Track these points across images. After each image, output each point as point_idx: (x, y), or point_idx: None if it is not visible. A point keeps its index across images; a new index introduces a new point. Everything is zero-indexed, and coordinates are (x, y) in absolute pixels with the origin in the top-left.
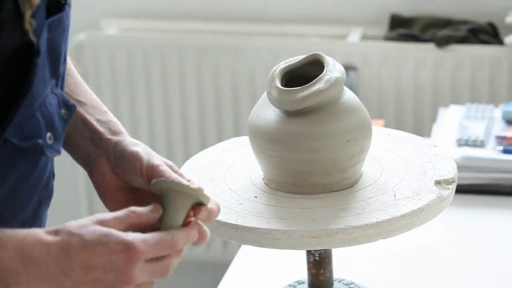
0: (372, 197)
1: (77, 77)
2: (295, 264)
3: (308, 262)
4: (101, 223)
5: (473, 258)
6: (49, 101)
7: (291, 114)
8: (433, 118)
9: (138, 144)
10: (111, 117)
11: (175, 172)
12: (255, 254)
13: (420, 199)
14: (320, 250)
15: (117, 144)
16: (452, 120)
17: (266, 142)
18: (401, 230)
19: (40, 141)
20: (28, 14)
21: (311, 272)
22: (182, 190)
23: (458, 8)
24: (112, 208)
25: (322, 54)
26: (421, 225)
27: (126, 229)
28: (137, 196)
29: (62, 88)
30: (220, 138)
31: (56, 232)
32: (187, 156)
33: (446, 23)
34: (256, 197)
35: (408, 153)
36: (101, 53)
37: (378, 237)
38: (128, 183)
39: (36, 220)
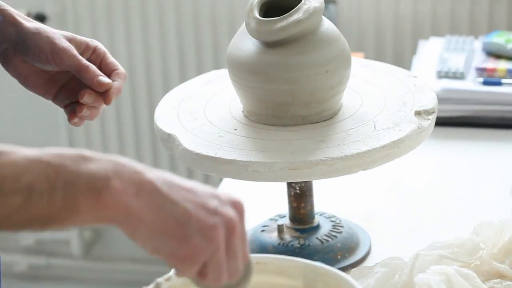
0: (352, 128)
1: None
2: (276, 198)
3: (289, 196)
4: None
5: (455, 188)
6: None
7: (270, 45)
8: (413, 51)
9: (38, 30)
10: (4, 5)
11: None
12: (236, 188)
13: (400, 130)
14: (301, 182)
15: (17, 35)
16: (432, 52)
17: (245, 73)
18: (381, 161)
19: None
20: None
21: (292, 206)
22: None
23: None
24: (35, 91)
25: None
26: (401, 156)
27: None
28: (54, 77)
29: None
30: (199, 71)
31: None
32: (167, 89)
33: None
34: (235, 129)
35: (388, 84)
36: None
37: (359, 169)
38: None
39: None
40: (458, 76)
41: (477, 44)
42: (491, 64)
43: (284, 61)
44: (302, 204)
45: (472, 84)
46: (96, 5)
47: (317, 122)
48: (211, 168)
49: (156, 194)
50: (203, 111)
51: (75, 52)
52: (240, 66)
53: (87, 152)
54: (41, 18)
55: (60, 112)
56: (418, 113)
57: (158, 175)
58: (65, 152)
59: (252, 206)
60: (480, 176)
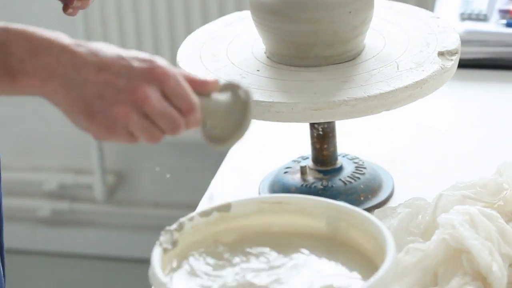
0: (375, 69)
1: None
2: (299, 140)
3: (312, 137)
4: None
5: (479, 129)
6: None
7: None
8: None
9: None
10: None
11: None
12: (258, 130)
13: (423, 70)
14: (324, 124)
15: None
16: None
17: (267, 14)
18: (404, 101)
19: None
20: None
21: (315, 147)
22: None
23: None
24: None
25: None
26: (424, 96)
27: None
28: None
29: None
30: (221, 13)
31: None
32: (189, 31)
33: None
34: (258, 70)
35: (411, 25)
36: None
37: (382, 109)
38: None
39: None
40: (481, 18)
41: None
42: None
43: (306, 1)
44: (325, 146)
45: (495, 26)
46: None
47: (340, 63)
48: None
49: (66, 77)
50: (226, 52)
51: None
52: (262, 7)
53: (14, 29)
54: None
55: None
56: (441, 54)
57: (79, 53)
58: None
59: (275, 148)
60: (503, 117)
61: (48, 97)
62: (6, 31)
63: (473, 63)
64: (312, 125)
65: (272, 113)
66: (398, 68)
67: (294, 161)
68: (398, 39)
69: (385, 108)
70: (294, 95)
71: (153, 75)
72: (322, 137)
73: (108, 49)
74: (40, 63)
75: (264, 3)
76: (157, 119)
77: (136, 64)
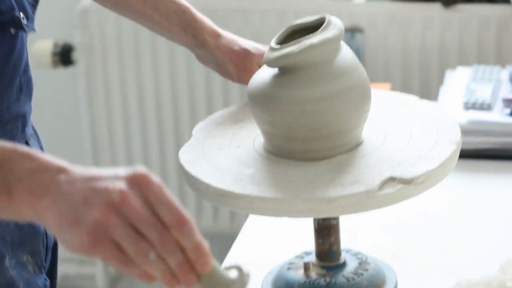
0: (375, 165)
1: None
2: (303, 235)
3: (315, 232)
4: None
5: (482, 224)
6: None
7: (282, 72)
8: (440, 81)
9: (222, 58)
10: (191, 16)
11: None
12: (262, 224)
13: (422, 164)
14: (327, 218)
15: (208, 55)
16: (459, 82)
17: (254, 104)
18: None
19: (17, 13)
20: None
21: (318, 242)
22: None
23: None
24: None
25: (327, 16)
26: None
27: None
28: None
29: None
30: (226, 103)
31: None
32: (194, 121)
33: None
34: (255, 164)
35: (411, 117)
36: (107, 18)
37: (383, 205)
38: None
39: (19, 107)
40: (485, 107)
41: (504, 74)
42: None
43: (286, 94)
44: (329, 241)
45: (499, 115)
46: (124, 36)
47: (337, 155)
48: (233, 204)
49: (58, 192)
50: (229, 144)
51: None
52: (250, 96)
53: (17, 150)
54: (68, 48)
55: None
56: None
57: (74, 172)
58: None
59: (279, 243)
60: (507, 210)
61: (39, 215)
62: (14, 151)
63: (477, 153)
64: (316, 220)
65: (253, 208)
66: (396, 163)
67: (298, 256)
68: (398, 132)
69: (385, 204)
70: (292, 190)
71: (135, 179)
72: (325, 232)
73: (103, 169)
74: (36, 181)
75: (251, 92)
76: (140, 225)
77: (121, 171)
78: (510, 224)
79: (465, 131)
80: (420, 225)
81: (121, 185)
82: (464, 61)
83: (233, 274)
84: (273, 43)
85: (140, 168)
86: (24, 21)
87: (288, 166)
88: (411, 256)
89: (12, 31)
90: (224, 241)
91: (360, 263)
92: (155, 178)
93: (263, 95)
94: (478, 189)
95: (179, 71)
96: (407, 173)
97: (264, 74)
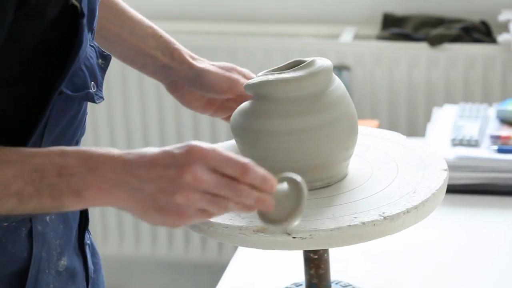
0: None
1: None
2: (293, 266)
3: (305, 263)
4: None
5: (469, 258)
6: (89, 54)
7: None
8: (427, 118)
9: (208, 69)
10: (168, 41)
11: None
12: (251, 256)
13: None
14: (317, 250)
15: (189, 71)
16: (446, 119)
17: (233, 134)
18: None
19: (90, 90)
20: None
21: (308, 274)
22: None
23: (451, 7)
24: (196, 111)
25: (301, 59)
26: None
27: None
28: (211, 100)
29: (93, 39)
30: (214, 140)
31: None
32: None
33: (439, 22)
34: None
35: (398, 154)
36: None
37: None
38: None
39: None
40: (472, 143)
41: (491, 112)
42: (505, 131)
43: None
44: (318, 272)
45: (486, 151)
46: (111, 75)
47: (322, 188)
48: (223, 237)
49: (125, 184)
50: None
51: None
52: (232, 128)
53: (69, 151)
54: None
55: None
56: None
57: (129, 160)
58: (46, 154)
59: (268, 274)
60: (495, 245)
61: (116, 206)
62: (62, 155)
63: (464, 189)
64: (305, 251)
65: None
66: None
67: None
68: (385, 167)
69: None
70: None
71: (194, 156)
72: (315, 264)
73: (152, 150)
74: (100, 178)
75: (232, 126)
76: (216, 190)
77: (176, 151)
78: (496, 257)
79: (453, 167)
80: (408, 256)
81: (186, 166)
82: (450, 99)
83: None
84: (262, 72)
85: (191, 144)
86: (94, 89)
87: None
88: (400, 287)
89: (79, 103)
90: (213, 272)
91: None
92: (206, 145)
93: (242, 126)
94: (465, 223)
95: (166, 108)
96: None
97: (246, 106)
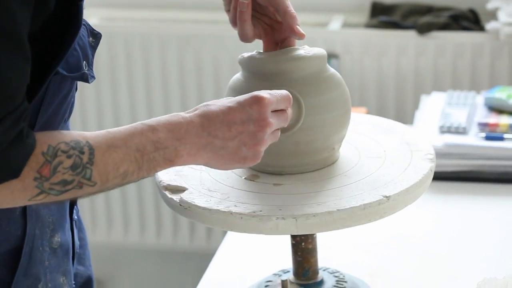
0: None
1: None
2: (280, 253)
3: (293, 250)
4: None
5: (457, 245)
6: (82, 33)
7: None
8: (416, 105)
9: None
10: None
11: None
12: (239, 243)
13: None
14: (304, 236)
15: None
16: (434, 107)
17: None
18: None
19: (85, 71)
20: None
21: (296, 260)
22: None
23: None
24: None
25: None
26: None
27: None
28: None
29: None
30: None
31: (195, 109)
32: None
33: (427, 10)
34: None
35: (386, 139)
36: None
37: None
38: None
39: (64, 127)
40: (460, 131)
41: (479, 99)
42: (493, 119)
43: None
44: (306, 259)
45: (474, 139)
46: (99, 62)
47: (313, 171)
48: (217, 222)
49: (210, 145)
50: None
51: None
52: None
53: (157, 126)
54: None
55: None
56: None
57: (207, 123)
58: (140, 133)
59: (256, 261)
60: (482, 232)
61: (202, 164)
62: (154, 130)
63: (452, 176)
64: (293, 237)
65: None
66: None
67: (275, 274)
68: (373, 153)
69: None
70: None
71: (263, 107)
72: (302, 250)
73: (222, 103)
74: (188, 145)
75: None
76: (277, 127)
77: (247, 105)
78: (485, 244)
79: (441, 154)
80: (397, 244)
81: (261, 120)
82: (439, 87)
83: None
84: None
85: (257, 95)
86: (86, 68)
87: (262, 183)
88: (388, 275)
89: (72, 82)
90: (201, 260)
91: (337, 281)
92: (265, 93)
93: None
94: (453, 210)
95: (154, 96)
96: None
97: (239, 83)
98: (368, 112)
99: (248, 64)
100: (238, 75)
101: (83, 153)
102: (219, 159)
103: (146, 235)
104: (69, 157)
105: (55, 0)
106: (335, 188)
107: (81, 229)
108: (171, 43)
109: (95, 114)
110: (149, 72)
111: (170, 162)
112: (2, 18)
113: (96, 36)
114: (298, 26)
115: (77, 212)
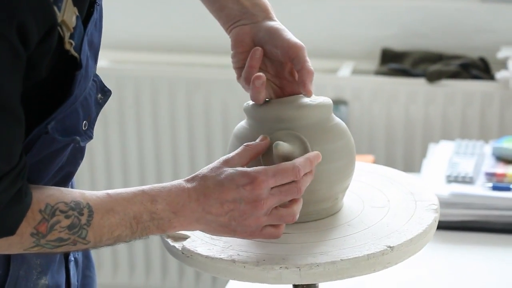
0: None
1: None
2: None
3: None
4: (227, 163)
5: None
6: (89, 92)
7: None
8: (424, 154)
9: (282, 26)
10: None
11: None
12: None
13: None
14: (307, 287)
15: (263, 21)
16: (442, 156)
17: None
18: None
19: (78, 137)
20: (67, 36)
21: None
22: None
23: (450, 43)
24: (235, 57)
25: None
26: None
27: (248, 162)
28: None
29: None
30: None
31: (193, 179)
32: None
33: (437, 58)
34: None
35: (391, 190)
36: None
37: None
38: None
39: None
40: (467, 180)
41: (487, 149)
42: (500, 169)
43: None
44: None
45: (481, 189)
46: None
47: (316, 220)
48: (220, 271)
49: (202, 219)
50: None
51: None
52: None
53: (158, 197)
54: None
55: None
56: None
57: (203, 201)
58: (140, 202)
59: None
60: (488, 282)
61: (194, 231)
62: (153, 201)
63: (458, 225)
64: (296, 287)
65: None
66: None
67: None
68: (378, 203)
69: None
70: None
71: (257, 187)
72: None
73: (216, 180)
74: (182, 218)
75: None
76: (280, 202)
77: (241, 186)
78: None
79: (447, 204)
80: None
81: (254, 201)
82: (447, 136)
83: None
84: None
85: (251, 175)
86: (85, 127)
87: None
88: None
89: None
90: None
91: None
92: (263, 172)
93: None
94: (459, 260)
95: (163, 139)
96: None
97: (244, 131)
98: (376, 160)
99: (253, 112)
100: (242, 123)
101: (82, 214)
102: (211, 229)
103: (135, 277)
104: (67, 217)
105: (50, 68)
106: (339, 237)
107: (88, 267)
108: (180, 86)
109: (102, 155)
110: (158, 115)
111: (162, 231)
112: None
113: (106, 93)
114: (310, 83)
115: (76, 253)
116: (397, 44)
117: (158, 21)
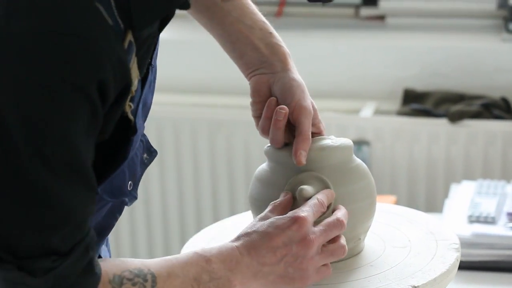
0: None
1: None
2: None
3: None
4: (262, 218)
5: None
6: (136, 152)
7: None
8: (446, 194)
9: (297, 82)
10: (277, 39)
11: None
12: None
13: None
14: None
15: (281, 72)
16: (464, 196)
17: (251, 204)
18: None
19: (126, 198)
20: (128, 99)
21: None
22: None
23: (471, 83)
24: (254, 106)
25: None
26: None
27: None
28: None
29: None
30: (232, 212)
31: (238, 238)
32: (199, 228)
33: (459, 98)
34: None
35: (412, 232)
36: None
37: None
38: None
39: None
40: (489, 220)
41: (509, 189)
42: None
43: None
44: None
45: (503, 229)
46: None
47: (338, 262)
48: None
49: (259, 273)
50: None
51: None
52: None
53: (211, 257)
54: None
55: None
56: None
57: (253, 255)
58: (196, 264)
59: None
60: None
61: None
62: (208, 262)
63: (480, 266)
64: None
65: None
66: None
67: None
68: (398, 244)
69: None
70: None
71: (303, 226)
72: None
73: (261, 228)
74: (239, 275)
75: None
76: (328, 238)
77: (286, 228)
78: None
79: (469, 244)
80: None
81: (303, 241)
82: (469, 175)
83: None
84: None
85: (294, 216)
86: (130, 188)
87: None
88: None
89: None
90: None
91: None
92: (304, 211)
93: (260, 196)
94: None
95: (185, 180)
96: (409, 283)
97: (265, 174)
98: (398, 200)
99: (274, 154)
100: (264, 165)
101: (146, 280)
102: (269, 284)
103: None
104: (134, 284)
105: (111, 132)
106: (362, 278)
107: None
108: (202, 128)
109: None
110: (180, 156)
111: None
112: (69, 154)
113: (152, 153)
114: (303, 152)
115: None
116: (419, 85)
117: (179, 63)
